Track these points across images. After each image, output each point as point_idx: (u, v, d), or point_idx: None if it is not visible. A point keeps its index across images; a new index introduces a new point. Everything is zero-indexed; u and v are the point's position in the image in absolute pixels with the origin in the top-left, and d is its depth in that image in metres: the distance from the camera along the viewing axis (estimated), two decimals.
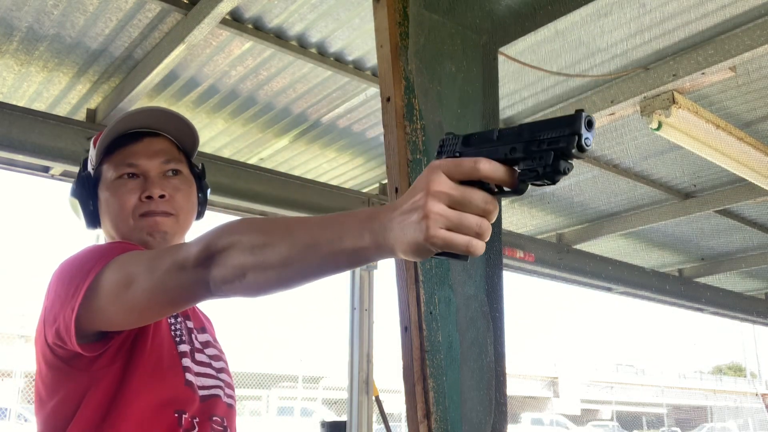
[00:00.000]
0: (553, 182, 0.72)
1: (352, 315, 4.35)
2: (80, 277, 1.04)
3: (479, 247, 0.73)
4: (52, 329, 1.07)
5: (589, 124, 0.70)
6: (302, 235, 0.82)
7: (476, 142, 0.78)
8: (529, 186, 0.74)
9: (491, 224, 0.74)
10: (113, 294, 1.01)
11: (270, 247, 0.84)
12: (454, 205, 0.72)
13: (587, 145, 0.70)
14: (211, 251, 0.89)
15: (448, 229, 0.71)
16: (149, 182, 1.24)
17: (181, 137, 1.32)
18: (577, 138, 0.70)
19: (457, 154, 0.79)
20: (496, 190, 0.75)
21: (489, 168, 0.73)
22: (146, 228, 1.23)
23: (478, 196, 0.73)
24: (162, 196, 1.23)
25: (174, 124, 1.30)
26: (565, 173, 0.71)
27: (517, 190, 0.74)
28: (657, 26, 2.80)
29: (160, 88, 3.27)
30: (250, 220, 0.92)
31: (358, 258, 0.79)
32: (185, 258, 0.92)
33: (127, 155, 1.25)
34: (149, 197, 1.23)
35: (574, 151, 0.70)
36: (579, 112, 0.71)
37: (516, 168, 0.74)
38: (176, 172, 1.28)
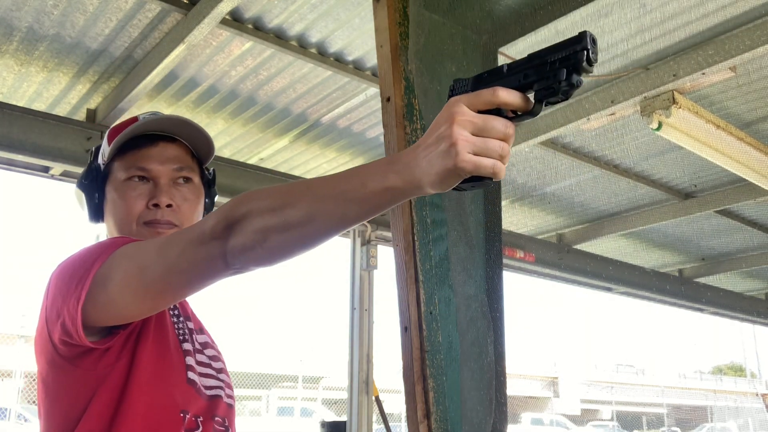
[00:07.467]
0: (567, 97, 0.78)
1: (352, 315, 4.35)
2: (83, 271, 1.03)
3: (503, 169, 0.79)
4: (57, 325, 1.06)
5: (593, 41, 0.77)
6: (323, 188, 0.85)
7: (488, 79, 0.84)
8: (542, 108, 0.80)
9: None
10: (123, 283, 1.01)
11: (290, 206, 0.85)
12: (478, 132, 0.78)
13: (595, 60, 0.76)
14: (229, 221, 0.89)
15: (475, 154, 0.77)
16: (158, 189, 1.23)
17: (196, 144, 1.33)
18: (586, 52, 0.76)
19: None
20: (512, 115, 0.81)
21: (506, 95, 0.79)
22: (148, 236, 1.22)
23: (498, 122, 0.78)
24: (169, 206, 1.23)
25: (190, 131, 1.31)
26: (577, 86, 0.77)
27: (532, 111, 0.80)
28: (657, 26, 2.80)
29: (160, 88, 3.27)
30: (266, 188, 0.92)
31: (382, 200, 0.81)
32: (201, 233, 0.92)
33: (140, 158, 1.24)
34: (156, 205, 1.23)
35: (584, 64, 0.76)
36: (583, 32, 0.77)
37: (529, 94, 0.81)
38: (187, 180, 1.28)
